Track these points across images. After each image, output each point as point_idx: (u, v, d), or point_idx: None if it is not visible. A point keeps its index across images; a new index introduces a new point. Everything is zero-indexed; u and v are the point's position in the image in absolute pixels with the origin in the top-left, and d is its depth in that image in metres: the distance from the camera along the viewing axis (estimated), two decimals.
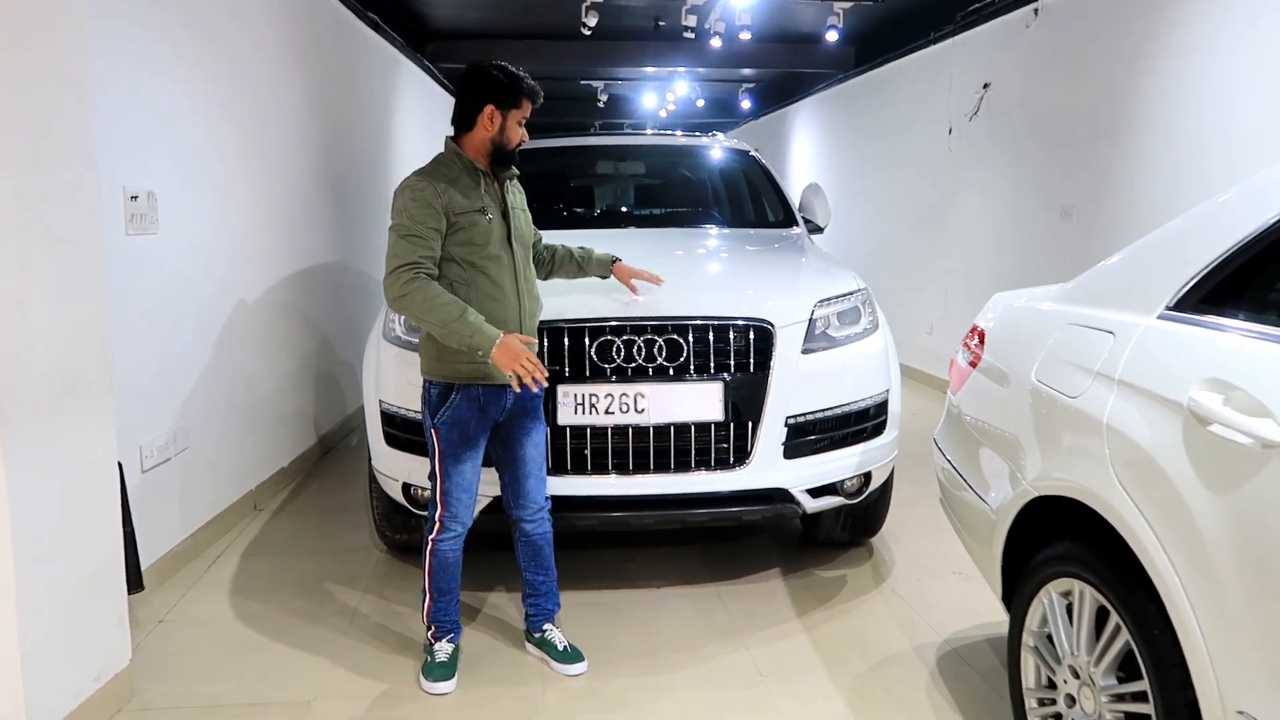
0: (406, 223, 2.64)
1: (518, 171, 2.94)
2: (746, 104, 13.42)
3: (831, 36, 8.27)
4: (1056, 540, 2.21)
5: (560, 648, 2.95)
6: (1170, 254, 2.10)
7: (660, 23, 9.22)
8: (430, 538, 2.84)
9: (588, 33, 8.21)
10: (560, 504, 3.12)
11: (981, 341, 2.72)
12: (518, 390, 2.67)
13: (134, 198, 3.35)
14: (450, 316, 2.59)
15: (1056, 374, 2.22)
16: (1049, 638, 2.22)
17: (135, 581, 3.03)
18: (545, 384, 2.69)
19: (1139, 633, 1.84)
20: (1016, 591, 2.34)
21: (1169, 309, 1.98)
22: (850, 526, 3.82)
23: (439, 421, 2.76)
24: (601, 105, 13.96)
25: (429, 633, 2.92)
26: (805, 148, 11.66)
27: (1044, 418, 2.24)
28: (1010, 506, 2.29)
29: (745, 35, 8.40)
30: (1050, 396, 2.21)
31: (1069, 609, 2.14)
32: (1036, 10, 6.18)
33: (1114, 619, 1.94)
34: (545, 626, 3.00)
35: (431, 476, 2.83)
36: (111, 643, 2.69)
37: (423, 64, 8.90)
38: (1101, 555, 1.99)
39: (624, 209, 5.53)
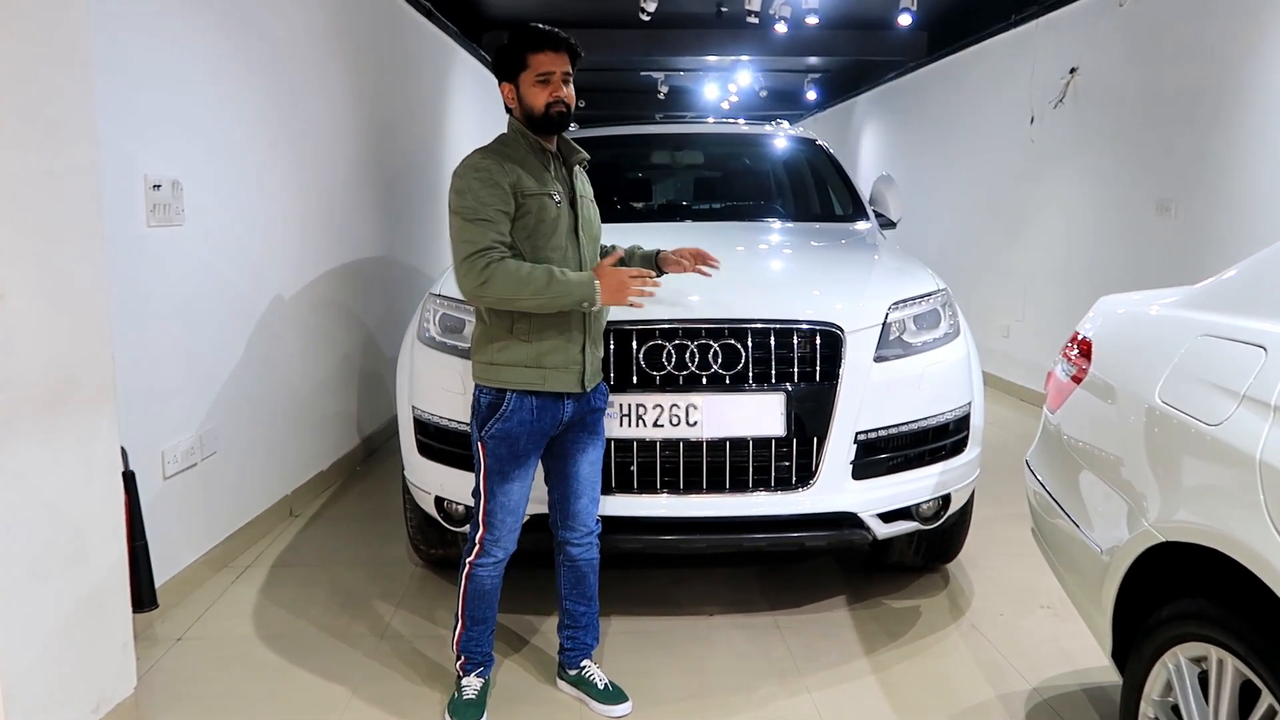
0: (473, 204, 2.37)
1: (587, 156, 2.65)
2: (812, 95, 12.99)
3: (904, 21, 7.83)
4: (1179, 588, 1.86)
5: (601, 686, 2.66)
6: None
7: (723, 9, 8.87)
8: (468, 560, 2.57)
9: (647, 19, 7.91)
10: (603, 525, 2.84)
11: (1085, 353, 2.36)
12: (639, 307, 2.51)
13: (156, 186, 3.14)
14: (541, 285, 2.35)
15: (1187, 395, 1.86)
16: (1174, 709, 1.86)
17: (148, 599, 2.83)
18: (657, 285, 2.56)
19: None
20: (1132, 650, 1.98)
21: None
22: (924, 551, 3.46)
23: (487, 434, 2.48)
24: (662, 97, 13.63)
25: (458, 663, 2.66)
26: (874, 140, 11.20)
27: (1170, 446, 1.89)
28: (1126, 551, 1.93)
29: (812, 21, 8.04)
30: (1178, 421, 1.85)
31: (1203, 679, 1.78)
32: None
33: (1267, 699, 1.58)
34: (583, 663, 2.71)
35: (475, 493, 2.55)
36: (113, 669, 2.48)
37: (479, 54, 8.70)
38: (1248, 617, 1.63)
39: (682, 201, 5.23)
